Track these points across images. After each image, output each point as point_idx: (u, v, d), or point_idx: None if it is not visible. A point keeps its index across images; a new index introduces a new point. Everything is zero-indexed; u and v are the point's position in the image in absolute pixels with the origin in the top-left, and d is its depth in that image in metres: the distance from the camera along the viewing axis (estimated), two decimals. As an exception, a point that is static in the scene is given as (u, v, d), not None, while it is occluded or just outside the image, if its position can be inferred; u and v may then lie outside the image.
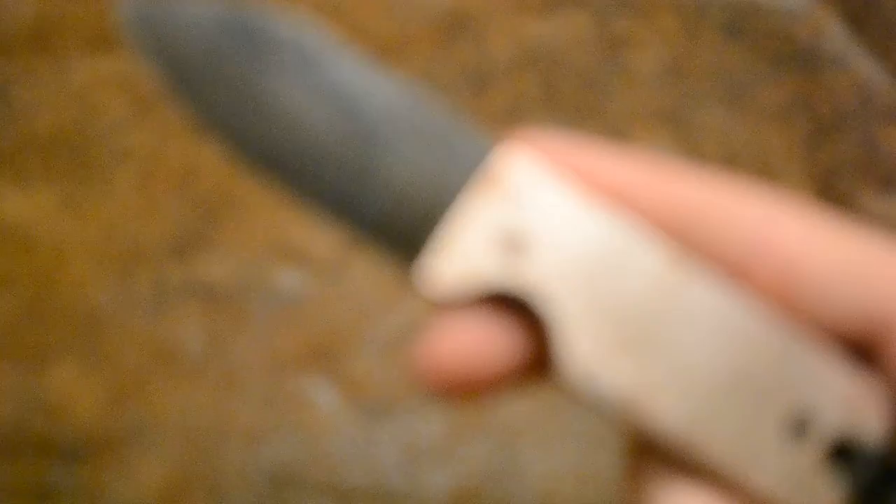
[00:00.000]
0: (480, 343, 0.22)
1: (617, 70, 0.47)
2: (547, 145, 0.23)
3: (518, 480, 0.40)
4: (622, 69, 0.47)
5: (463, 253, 0.21)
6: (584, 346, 0.21)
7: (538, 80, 0.47)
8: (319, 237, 0.44)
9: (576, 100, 0.47)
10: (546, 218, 0.21)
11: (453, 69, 0.47)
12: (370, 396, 0.42)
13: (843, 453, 0.21)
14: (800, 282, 0.22)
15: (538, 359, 0.22)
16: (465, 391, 0.22)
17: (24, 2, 0.48)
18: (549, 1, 0.49)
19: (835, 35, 0.48)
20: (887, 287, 0.21)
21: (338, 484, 0.40)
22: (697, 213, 0.22)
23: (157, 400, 0.41)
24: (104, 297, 0.43)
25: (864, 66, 0.47)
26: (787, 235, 0.22)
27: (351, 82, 0.23)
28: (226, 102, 0.23)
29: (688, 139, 0.46)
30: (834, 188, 0.45)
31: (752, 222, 0.22)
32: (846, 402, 0.21)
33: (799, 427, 0.21)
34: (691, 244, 0.22)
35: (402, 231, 0.22)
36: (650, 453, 0.22)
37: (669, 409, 0.21)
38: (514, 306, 0.22)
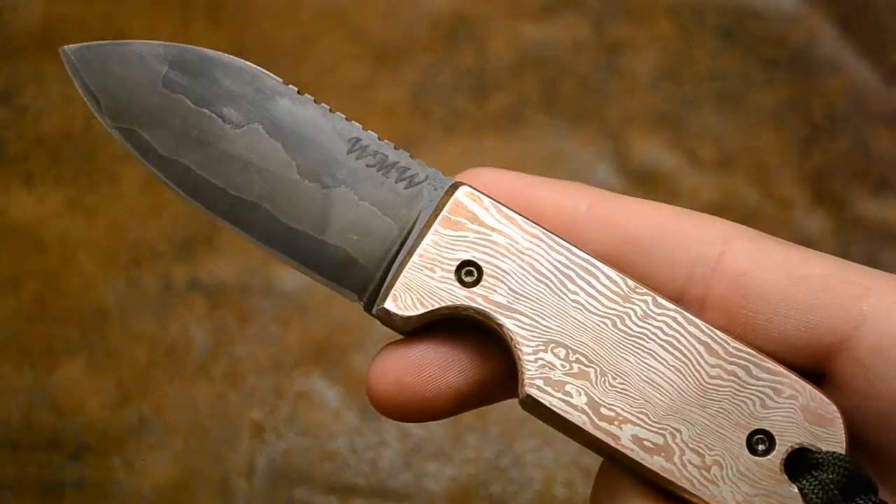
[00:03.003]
0: (435, 367, 0.23)
1: (614, 74, 0.48)
2: (496, 182, 0.23)
3: (517, 477, 0.41)
4: (619, 73, 0.48)
5: (420, 284, 0.23)
6: (540, 369, 0.22)
7: (537, 84, 0.47)
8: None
9: (574, 103, 0.47)
10: (499, 249, 0.23)
11: (454, 74, 0.47)
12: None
13: (802, 468, 0.22)
14: (752, 302, 0.22)
15: (498, 379, 0.23)
16: (418, 413, 0.23)
17: (32, 5, 0.48)
18: (548, 6, 0.49)
19: (828, 39, 0.48)
20: (835, 306, 0.22)
21: (339, 480, 0.40)
22: (648, 241, 0.23)
23: (162, 397, 0.41)
24: (111, 297, 0.43)
25: (856, 69, 0.47)
26: (739, 257, 0.22)
27: (299, 116, 0.23)
28: (180, 136, 0.23)
29: (684, 141, 0.46)
30: (827, 189, 0.45)
31: (704, 245, 0.23)
32: (803, 418, 0.22)
33: (759, 445, 0.22)
34: (645, 270, 0.23)
35: (360, 264, 0.23)
36: (618, 473, 0.23)
37: (627, 432, 0.22)
38: (472, 332, 0.23)
